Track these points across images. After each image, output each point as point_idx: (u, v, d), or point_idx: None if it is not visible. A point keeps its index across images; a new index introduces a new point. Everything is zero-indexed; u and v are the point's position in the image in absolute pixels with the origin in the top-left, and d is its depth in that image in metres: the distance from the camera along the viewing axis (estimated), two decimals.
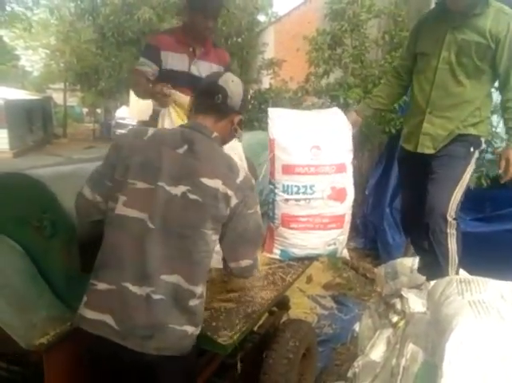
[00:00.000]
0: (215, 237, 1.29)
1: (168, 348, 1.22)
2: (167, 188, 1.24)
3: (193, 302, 1.25)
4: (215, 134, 1.34)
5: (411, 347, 0.93)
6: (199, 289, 1.27)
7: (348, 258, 2.27)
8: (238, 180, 1.29)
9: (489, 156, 3.56)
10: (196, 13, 2.17)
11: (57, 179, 1.55)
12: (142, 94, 2.27)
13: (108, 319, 1.21)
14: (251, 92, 5.39)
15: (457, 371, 0.73)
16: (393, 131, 4.25)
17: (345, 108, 4.56)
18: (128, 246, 1.24)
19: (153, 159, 1.27)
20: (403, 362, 0.90)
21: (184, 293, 1.23)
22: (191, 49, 2.27)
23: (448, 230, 1.81)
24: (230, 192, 1.26)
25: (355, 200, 2.10)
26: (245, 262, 1.37)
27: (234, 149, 1.84)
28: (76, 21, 11.07)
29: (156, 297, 1.20)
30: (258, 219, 1.37)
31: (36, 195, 1.49)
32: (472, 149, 1.92)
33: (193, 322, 1.26)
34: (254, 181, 1.39)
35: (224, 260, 1.40)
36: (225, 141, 1.46)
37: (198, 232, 1.24)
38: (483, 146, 2.01)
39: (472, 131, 1.93)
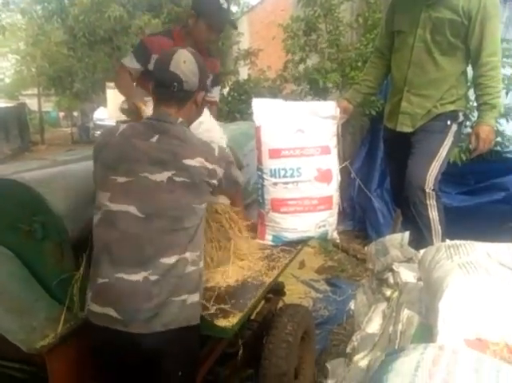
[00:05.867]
0: (204, 205, 1.37)
1: (173, 321, 1.25)
2: (152, 177, 1.28)
3: (187, 269, 1.29)
4: (180, 120, 1.38)
5: (406, 312, 0.97)
6: (193, 255, 1.31)
7: (338, 240, 2.32)
8: (217, 153, 1.38)
9: (468, 130, 3.65)
10: (203, 23, 2.16)
11: (43, 182, 1.53)
12: (124, 91, 2.26)
13: (111, 311, 1.24)
14: (230, 83, 5.38)
15: (451, 327, 0.77)
16: (374, 113, 4.30)
17: (325, 93, 4.60)
18: (119, 239, 1.27)
19: (128, 152, 1.31)
20: (399, 327, 0.94)
21: (179, 263, 1.27)
22: None
23: (428, 202, 1.87)
24: (214, 166, 1.35)
25: (340, 184, 2.14)
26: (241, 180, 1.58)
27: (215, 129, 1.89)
28: (44, 23, 10.78)
29: (153, 278, 1.24)
30: (234, 166, 1.51)
31: (24, 199, 1.48)
32: (449, 123, 1.97)
33: (189, 290, 1.29)
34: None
35: None
36: (192, 120, 1.50)
37: (190, 209, 1.30)
38: (461, 119, 2.07)
39: (450, 107, 1.98)
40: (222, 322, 1.39)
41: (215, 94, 2.44)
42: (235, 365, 2.03)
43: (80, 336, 1.43)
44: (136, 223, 1.26)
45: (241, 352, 1.73)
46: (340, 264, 4.02)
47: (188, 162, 1.29)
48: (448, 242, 1.07)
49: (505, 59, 3.49)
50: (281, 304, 2.51)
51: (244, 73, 5.69)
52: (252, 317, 2.26)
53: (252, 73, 5.60)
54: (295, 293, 3.50)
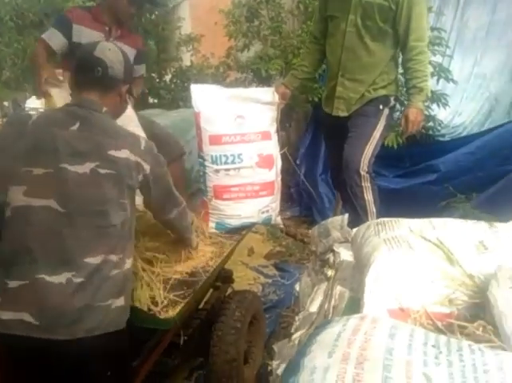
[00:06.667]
0: (131, 203, 1.30)
1: (97, 327, 1.18)
2: (71, 168, 1.19)
3: (112, 272, 1.22)
4: (105, 109, 1.30)
5: (338, 289, 1.01)
6: (116, 258, 1.24)
7: (281, 225, 2.36)
8: (143, 146, 1.31)
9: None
10: None
11: None
12: (36, 69, 2.10)
13: (26, 316, 1.14)
14: (172, 70, 5.23)
15: (376, 299, 0.81)
16: (316, 100, 4.37)
17: (268, 81, 4.61)
18: (38, 236, 1.17)
19: (45, 141, 1.21)
20: (332, 303, 0.98)
21: (105, 265, 1.21)
22: (107, 29, 2.20)
23: (363, 184, 1.96)
24: (139, 160, 1.28)
25: (286, 170, 2.18)
26: (176, 210, 1.45)
27: (130, 118, 1.83)
28: None
29: (78, 280, 1.16)
30: (168, 173, 1.44)
31: None
32: (381, 107, 2.06)
33: (114, 294, 1.23)
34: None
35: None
36: (117, 115, 1.43)
37: (117, 204, 1.23)
38: (392, 103, 2.17)
39: (382, 92, 2.07)
40: (162, 314, 1.36)
41: (140, 70, 2.40)
42: (184, 355, 2.02)
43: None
44: (57, 219, 1.17)
45: (182, 342, 1.71)
46: (288, 249, 4.10)
47: (114, 153, 1.22)
48: (377, 219, 1.12)
49: (436, 47, 3.69)
50: (230, 291, 2.52)
51: (187, 59, 5.56)
52: (200, 306, 2.26)
53: (195, 60, 5.49)
54: (244, 279, 3.52)
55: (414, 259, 0.88)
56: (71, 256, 1.16)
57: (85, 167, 1.20)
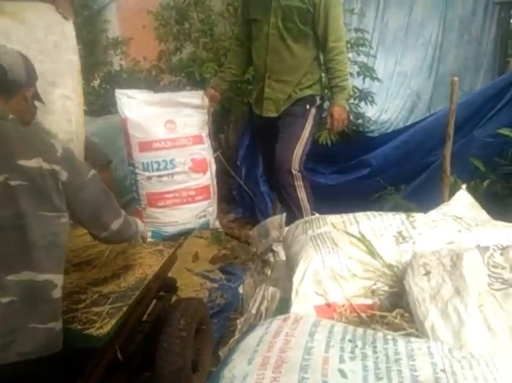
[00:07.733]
0: (58, 216, 1.21)
1: (34, 351, 1.11)
2: None
3: (56, 294, 1.17)
4: (11, 116, 1.22)
5: (271, 289, 1.01)
6: (59, 277, 1.19)
7: (220, 229, 2.36)
8: (59, 153, 1.23)
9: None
10: None
11: None
12: None
13: None
14: (101, 75, 5.01)
15: (303, 297, 0.82)
16: (251, 101, 4.41)
17: (203, 83, 4.57)
18: None
19: None
20: (265, 304, 0.98)
21: (42, 285, 1.14)
22: None
23: (295, 183, 2.02)
24: (55, 167, 1.19)
25: (227, 172, 2.18)
26: (116, 224, 1.35)
27: None
28: None
29: (5, 300, 1.09)
30: (100, 182, 1.35)
31: None
32: (308, 107, 2.13)
33: (56, 316, 1.18)
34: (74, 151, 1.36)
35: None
36: (26, 121, 1.33)
37: (36, 217, 1.15)
38: (318, 102, 2.25)
39: (308, 92, 2.13)
40: (93, 331, 1.29)
41: None
42: (129, 371, 1.94)
43: None
44: None
45: (122, 358, 1.64)
46: (233, 251, 4.08)
47: (24, 163, 1.14)
48: (306, 217, 1.14)
49: (360, 47, 3.87)
50: (174, 300, 2.45)
51: (117, 63, 5.35)
52: (144, 319, 2.18)
53: (125, 64, 5.30)
54: (190, 286, 3.45)
55: (338, 255, 0.91)
56: None
57: None
